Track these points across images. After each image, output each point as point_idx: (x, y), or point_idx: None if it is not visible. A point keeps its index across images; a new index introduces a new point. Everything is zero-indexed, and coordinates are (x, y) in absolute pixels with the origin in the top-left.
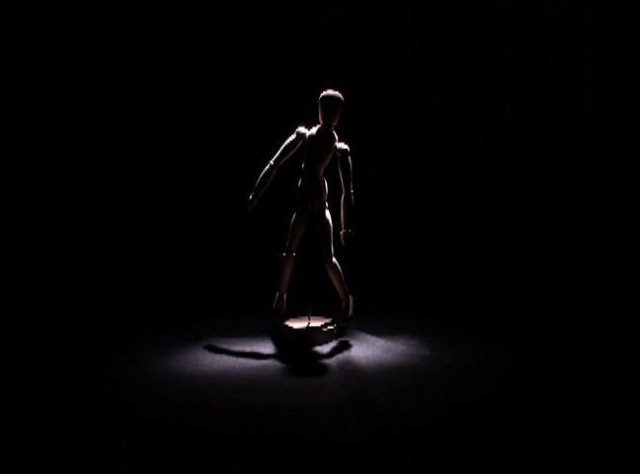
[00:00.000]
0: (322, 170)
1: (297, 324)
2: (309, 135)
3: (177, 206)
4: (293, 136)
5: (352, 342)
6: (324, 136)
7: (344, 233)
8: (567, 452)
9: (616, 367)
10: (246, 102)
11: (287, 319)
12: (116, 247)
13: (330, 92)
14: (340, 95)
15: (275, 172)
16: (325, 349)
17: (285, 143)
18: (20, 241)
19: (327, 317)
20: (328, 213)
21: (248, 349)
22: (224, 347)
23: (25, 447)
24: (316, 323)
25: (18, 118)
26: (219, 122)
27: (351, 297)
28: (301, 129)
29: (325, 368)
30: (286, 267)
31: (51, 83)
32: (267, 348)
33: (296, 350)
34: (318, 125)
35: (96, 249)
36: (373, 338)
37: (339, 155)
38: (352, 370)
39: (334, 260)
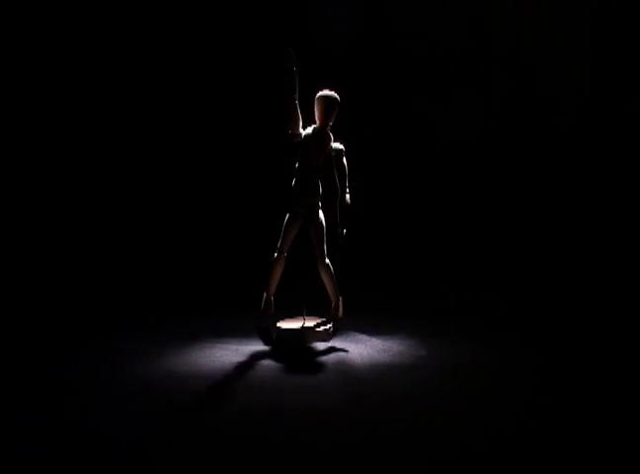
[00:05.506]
0: (316, 170)
1: (292, 324)
2: (305, 135)
3: (173, 208)
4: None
5: (347, 342)
6: (320, 136)
7: (340, 233)
8: (566, 452)
9: (615, 365)
10: (242, 102)
11: (282, 319)
12: (112, 247)
13: (326, 92)
14: (336, 95)
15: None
16: (320, 349)
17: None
18: (19, 241)
19: (321, 317)
20: (322, 214)
21: (244, 349)
22: (220, 347)
23: (23, 447)
24: (311, 323)
25: (17, 119)
26: (214, 123)
27: (340, 298)
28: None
29: (320, 368)
30: (277, 268)
31: (51, 83)
32: (262, 348)
33: (292, 350)
34: (314, 125)
35: (92, 249)
36: (369, 338)
37: (334, 155)
38: (347, 370)
39: (327, 260)
